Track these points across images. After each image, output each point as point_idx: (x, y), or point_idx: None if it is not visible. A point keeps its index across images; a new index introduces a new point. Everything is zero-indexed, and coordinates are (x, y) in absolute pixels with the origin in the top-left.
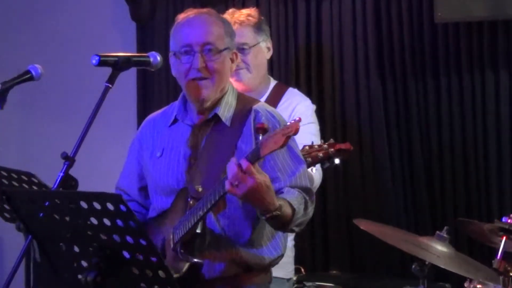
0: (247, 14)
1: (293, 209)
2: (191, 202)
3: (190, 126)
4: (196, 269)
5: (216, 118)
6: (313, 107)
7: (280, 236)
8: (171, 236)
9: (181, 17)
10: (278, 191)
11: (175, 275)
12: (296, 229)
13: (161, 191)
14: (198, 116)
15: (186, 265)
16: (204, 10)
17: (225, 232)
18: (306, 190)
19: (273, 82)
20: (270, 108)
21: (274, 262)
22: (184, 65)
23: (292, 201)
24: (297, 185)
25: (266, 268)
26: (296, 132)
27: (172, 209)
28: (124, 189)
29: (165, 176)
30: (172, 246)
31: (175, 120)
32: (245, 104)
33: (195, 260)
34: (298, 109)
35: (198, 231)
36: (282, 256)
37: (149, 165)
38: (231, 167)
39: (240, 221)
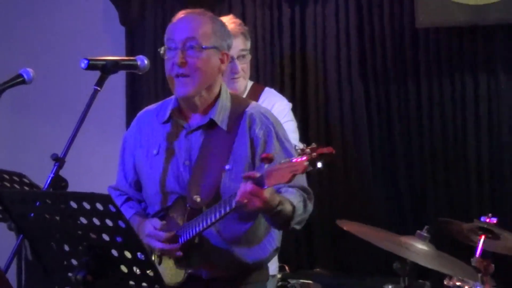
0: (239, 22)
1: (293, 206)
2: (189, 209)
3: (184, 128)
4: (193, 277)
5: (212, 122)
6: (290, 105)
7: (275, 231)
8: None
9: (174, 17)
10: (277, 190)
11: (173, 283)
12: (297, 227)
13: (159, 190)
14: (193, 119)
15: (184, 276)
16: (197, 10)
17: (221, 235)
18: (304, 189)
19: (250, 83)
20: (263, 109)
21: (270, 257)
22: (167, 61)
23: (291, 199)
24: (295, 185)
25: (262, 265)
26: (303, 172)
27: (170, 213)
28: (124, 190)
29: (163, 177)
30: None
31: (169, 118)
32: (238, 105)
33: (190, 271)
34: (276, 107)
35: (196, 241)
36: (277, 249)
37: (145, 162)
38: (241, 190)
39: (235, 223)
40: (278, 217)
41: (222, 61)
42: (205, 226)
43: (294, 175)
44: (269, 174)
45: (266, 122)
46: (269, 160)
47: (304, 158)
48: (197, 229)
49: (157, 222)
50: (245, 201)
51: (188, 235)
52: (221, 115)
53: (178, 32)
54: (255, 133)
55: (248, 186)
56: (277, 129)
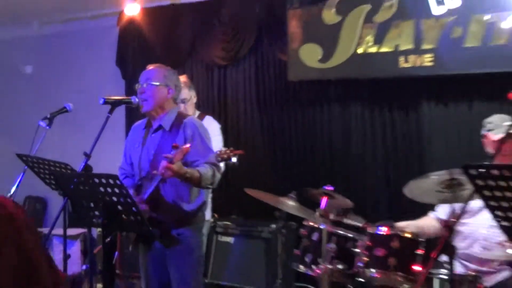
0: (183, 81)
1: (200, 174)
2: (151, 178)
3: (150, 131)
4: (153, 219)
5: (161, 127)
6: (219, 126)
7: (203, 191)
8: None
9: None
10: (196, 166)
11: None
12: (210, 186)
13: (138, 167)
14: (154, 125)
15: (147, 216)
16: (158, 64)
17: (171, 192)
18: (213, 164)
19: (197, 112)
20: (194, 120)
21: (202, 207)
22: (137, 93)
23: (200, 169)
24: (208, 162)
25: (196, 212)
26: (187, 152)
27: (144, 181)
28: (126, 169)
29: (141, 161)
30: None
31: (146, 125)
32: (181, 117)
33: (151, 215)
34: (211, 127)
35: (154, 196)
36: (205, 202)
37: (132, 151)
38: (161, 165)
39: (178, 185)
40: (189, 181)
41: (168, 92)
42: (153, 187)
43: (184, 154)
44: (175, 155)
45: (193, 126)
46: (176, 147)
47: (188, 145)
48: (150, 189)
49: (131, 192)
50: (162, 171)
51: (148, 193)
52: (166, 122)
53: (143, 76)
54: (186, 133)
55: (164, 163)
56: (199, 131)
